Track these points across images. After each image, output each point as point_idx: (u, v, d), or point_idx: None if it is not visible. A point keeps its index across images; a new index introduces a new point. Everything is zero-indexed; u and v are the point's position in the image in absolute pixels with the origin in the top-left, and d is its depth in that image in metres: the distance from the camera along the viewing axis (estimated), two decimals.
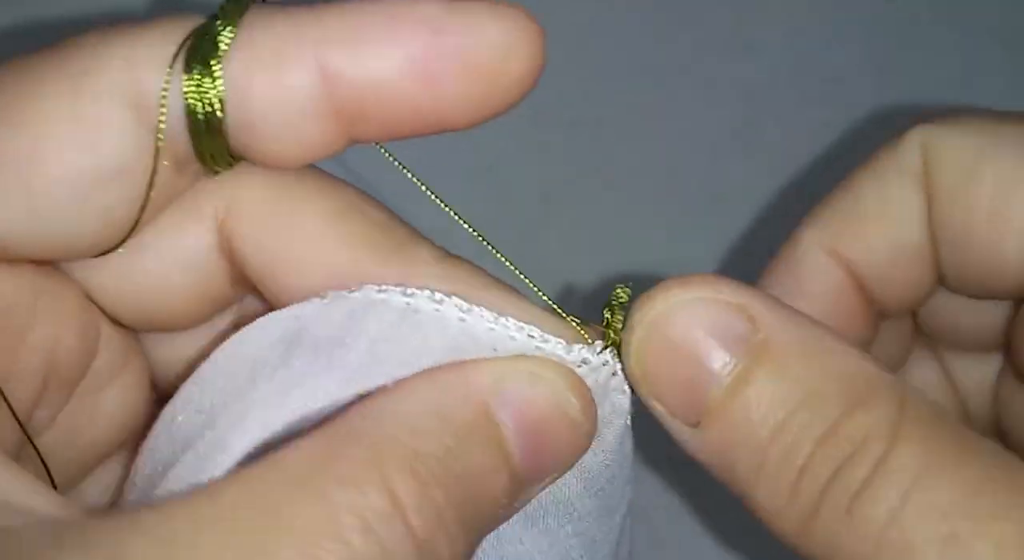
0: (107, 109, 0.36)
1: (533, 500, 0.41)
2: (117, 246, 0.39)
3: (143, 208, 0.37)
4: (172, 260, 0.41)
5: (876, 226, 0.47)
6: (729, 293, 0.39)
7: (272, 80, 0.36)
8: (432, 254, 0.41)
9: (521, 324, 0.40)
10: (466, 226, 0.44)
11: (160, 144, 0.36)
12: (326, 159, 0.40)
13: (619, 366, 0.42)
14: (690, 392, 0.39)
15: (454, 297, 0.39)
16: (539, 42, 0.37)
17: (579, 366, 0.40)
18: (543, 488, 0.40)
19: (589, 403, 0.40)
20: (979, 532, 0.34)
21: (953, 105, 0.47)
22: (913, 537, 0.34)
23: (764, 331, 0.38)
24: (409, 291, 0.39)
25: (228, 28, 0.36)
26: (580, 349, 0.40)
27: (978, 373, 0.54)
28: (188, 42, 0.36)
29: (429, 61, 0.36)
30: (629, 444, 0.45)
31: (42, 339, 0.39)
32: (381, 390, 0.37)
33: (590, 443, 0.41)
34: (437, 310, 0.39)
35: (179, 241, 0.41)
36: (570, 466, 0.40)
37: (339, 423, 0.36)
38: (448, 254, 0.42)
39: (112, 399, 0.45)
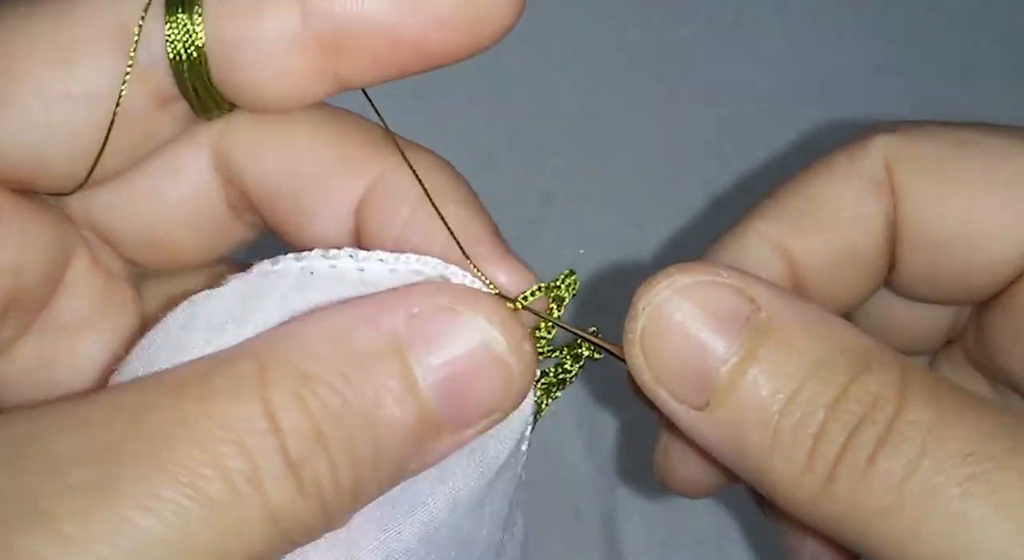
0: (86, 38, 0.38)
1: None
2: (86, 179, 0.40)
3: (108, 134, 0.39)
4: (170, 181, 0.43)
5: (828, 227, 0.47)
6: (728, 276, 0.39)
7: (250, 17, 0.38)
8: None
9: (423, 260, 0.39)
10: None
11: (128, 72, 0.38)
12: (314, 101, 0.40)
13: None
14: (697, 374, 0.39)
15: (346, 249, 0.39)
16: None
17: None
18: (477, 433, 0.39)
19: (519, 340, 0.38)
20: (1001, 467, 0.35)
21: (908, 119, 0.48)
22: (935, 482, 0.35)
23: (765, 310, 0.39)
24: (302, 255, 0.39)
25: None
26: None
27: None
28: None
29: None
30: (523, 445, 0.42)
31: (6, 259, 0.41)
32: (292, 318, 0.37)
33: (523, 386, 0.39)
34: (332, 266, 0.39)
35: (175, 162, 0.43)
36: (501, 411, 0.39)
37: (237, 345, 0.37)
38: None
39: (91, 345, 0.45)
